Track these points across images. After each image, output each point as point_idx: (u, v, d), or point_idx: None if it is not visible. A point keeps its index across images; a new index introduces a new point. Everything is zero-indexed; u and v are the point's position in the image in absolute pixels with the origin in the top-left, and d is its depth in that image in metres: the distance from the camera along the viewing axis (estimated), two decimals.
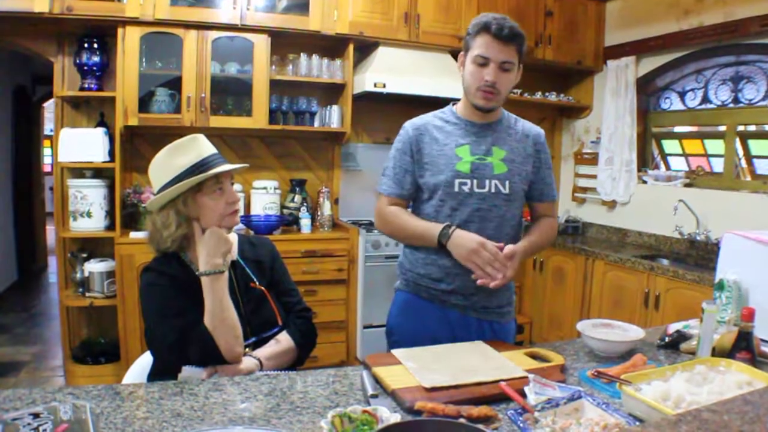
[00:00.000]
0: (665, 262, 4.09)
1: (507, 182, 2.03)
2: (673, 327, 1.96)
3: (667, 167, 4.90)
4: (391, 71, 4.25)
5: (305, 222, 4.37)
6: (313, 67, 4.38)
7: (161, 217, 1.83)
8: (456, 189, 2.01)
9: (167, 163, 1.83)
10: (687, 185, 4.43)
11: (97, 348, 4.06)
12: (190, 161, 1.81)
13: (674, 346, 1.89)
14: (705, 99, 4.43)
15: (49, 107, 7.89)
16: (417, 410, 1.32)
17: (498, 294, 2.07)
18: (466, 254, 1.90)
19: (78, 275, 4.00)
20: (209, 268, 1.77)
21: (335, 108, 4.47)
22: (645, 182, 4.72)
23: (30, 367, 4.45)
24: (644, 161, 4.91)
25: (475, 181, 2.01)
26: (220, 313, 1.75)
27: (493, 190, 2.02)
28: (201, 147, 1.86)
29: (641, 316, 3.81)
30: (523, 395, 1.36)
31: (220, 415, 1.35)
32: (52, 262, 7.63)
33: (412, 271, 2.13)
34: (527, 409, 1.29)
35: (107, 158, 3.88)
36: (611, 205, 4.99)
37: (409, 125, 2.12)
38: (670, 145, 4.95)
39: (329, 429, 1.21)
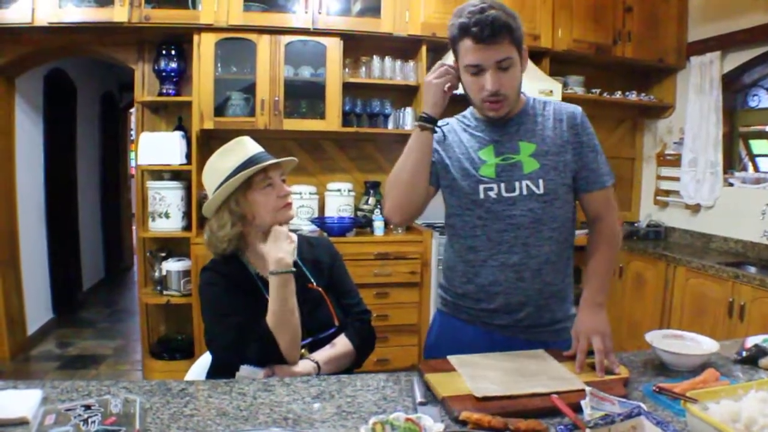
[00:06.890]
0: (752, 269, 3.86)
1: (540, 181, 1.79)
2: (752, 340, 1.80)
3: (756, 169, 4.63)
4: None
5: (378, 224, 4.37)
6: (386, 69, 4.40)
7: (216, 219, 1.89)
8: (481, 196, 1.81)
9: (216, 167, 1.89)
10: None
11: (174, 344, 4.22)
12: (238, 161, 1.85)
13: (753, 361, 1.75)
14: None
15: (135, 112, 8.24)
16: (462, 421, 1.28)
17: (552, 307, 1.86)
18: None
19: (156, 274, 4.15)
20: (279, 268, 1.77)
21: (409, 110, 4.46)
22: (731, 185, 4.47)
23: (111, 360, 4.66)
24: (730, 162, 4.65)
25: (502, 185, 1.79)
26: (283, 314, 1.75)
27: (524, 192, 1.79)
28: (247, 147, 1.90)
29: (724, 326, 3.60)
30: (579, 409, 1.29)
31: (265, 415, 1.35)
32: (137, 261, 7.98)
33: (451, 290, 1.97)
34: (578, 425, 1.22)
35: (184, 161, 4.02)
36: (695, 208, 4.74)
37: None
38: (759, 146, 4.67)
39: None
